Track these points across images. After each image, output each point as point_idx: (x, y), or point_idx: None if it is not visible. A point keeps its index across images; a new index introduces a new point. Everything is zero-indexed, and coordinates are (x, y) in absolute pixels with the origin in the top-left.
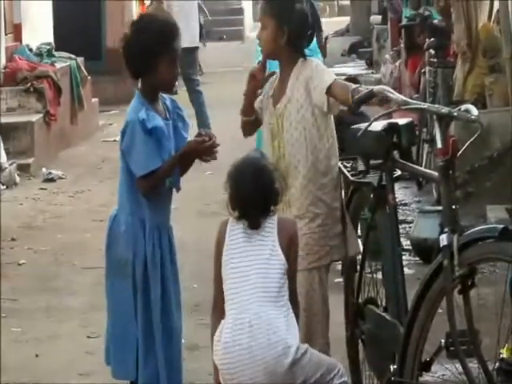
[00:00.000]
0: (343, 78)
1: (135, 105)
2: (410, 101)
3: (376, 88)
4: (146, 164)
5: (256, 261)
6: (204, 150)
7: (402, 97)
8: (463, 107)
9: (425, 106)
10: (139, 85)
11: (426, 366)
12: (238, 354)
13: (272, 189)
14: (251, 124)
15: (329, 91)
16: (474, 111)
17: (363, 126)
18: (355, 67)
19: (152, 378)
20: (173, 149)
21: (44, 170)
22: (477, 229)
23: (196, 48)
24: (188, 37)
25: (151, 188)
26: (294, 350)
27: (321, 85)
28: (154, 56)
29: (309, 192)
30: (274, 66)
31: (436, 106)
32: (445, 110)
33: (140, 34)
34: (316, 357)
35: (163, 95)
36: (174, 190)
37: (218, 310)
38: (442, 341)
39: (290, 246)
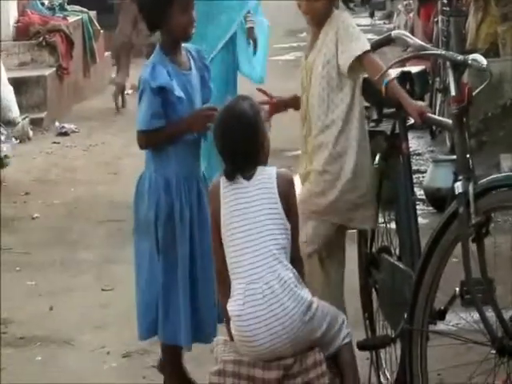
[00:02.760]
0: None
1: (151, 60)
2: (427, 46)
3: (394, 32)
4: (146, 121)
5: (257, 220)
6: (203, 121)
7: (419, 41)
8: (471, 56)
9: (441, 52)
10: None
11: (441, 315)
12: (254, 328)
13: (255, 135)
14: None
15: (356, 61)
16: (483, 60)
17: None
18: (366, 17)
19: (172, 336)
20: (199, 101)
21: (57, 123)
22: (491, 177)
23: None
24: None
25: (149, 145)
26: (314, 306)
27: (348, 53)
28: (168, 4)
29: (325, 148)
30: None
31: (451, 52)
32: (460, 56)
33: None
34: (322, 306)
35: (188, 46)
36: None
37: (224, 280)
38: (457, 289)
39: (288, 199)
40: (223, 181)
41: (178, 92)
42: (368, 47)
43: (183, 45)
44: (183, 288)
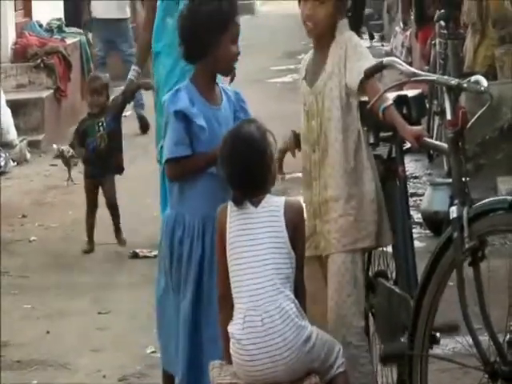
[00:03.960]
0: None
1: (174, 88)
2: (420, 72)
3: (386, 59)
4: (171, 148)
5: (261, 248)
6: None
7: (411, 68)
8: (473, 78)
9: (434, 77)
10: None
11: (437, 339)
12: (253, 354)
13: (262, 159)
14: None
15: (363, 81)
16: (484, 82)
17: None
18: (365, 40)
19: (170, 365)
20: None
21: (55, 146)
22: (487, 201)
23: None
24: None
25: (177, 176)
26: (313, 337)
27: (357, 71)
28: (221, 31)
29: (344, 171)
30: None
31: (445, 77)
32: (454, 81)
33: (198, 14)
34: (320, 336)
35: (225, 86)
36: None
37: (226, 306)
38: None
39: (296, 229)
40: (231, 205)
41: (200, 121)
42: (371, 63)
43: (220, 85)
44: (184, 328)
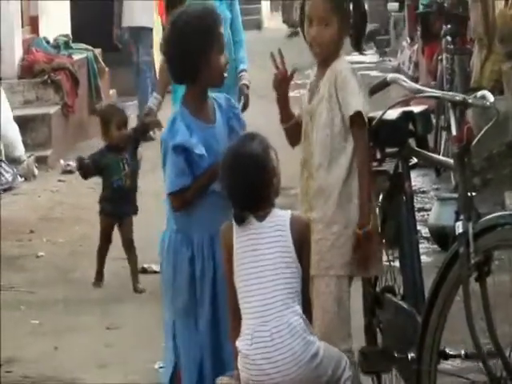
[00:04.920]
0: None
1: (171, 116)
2: (424, 88)
3: (390, 76)
4: (172, 182)
5: (268, 263)
6: None
7: (415, 85)
8: (479, 94)
9: (439, 93)
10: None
11: (445, 354)
12: (261, 368)
13: (264, 174)
14: (294, 130)
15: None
16: (490, 98)
17: (378, 114)
18: (372, 55)
19: None
20: None
21: (62, 161)
22: (493, 215)
23: None
24: None
25: (182, 205)
26: (321, 353)
27: (347, 107)
28: (210, 45)
29: (328, 196)
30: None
31: (450, 93)
32: (459, 96)
33: (183, 35)
34: (328, 350)
35: (216, 95)
36: None
37: (235, 317)
38: None
39: (302, 245)
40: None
41: (199, 150)
42: (360, 108)
43: (211, 94)
44: (206, 348)
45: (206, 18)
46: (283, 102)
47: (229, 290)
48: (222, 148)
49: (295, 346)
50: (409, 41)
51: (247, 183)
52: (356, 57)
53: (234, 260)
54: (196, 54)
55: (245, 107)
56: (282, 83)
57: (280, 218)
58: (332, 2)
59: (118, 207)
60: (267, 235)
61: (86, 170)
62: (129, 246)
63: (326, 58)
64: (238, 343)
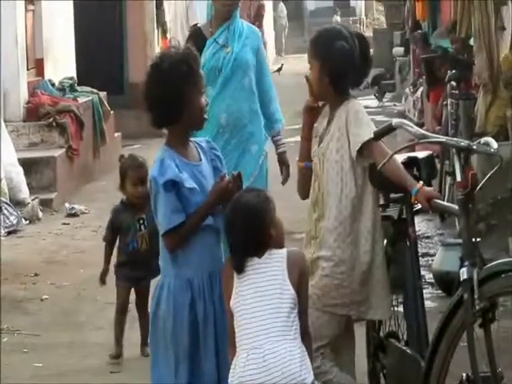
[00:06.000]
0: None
1: (158, 157)
2: (429, 134)
3: (395, 121)
4: (167, 219)
5: (266, 295)
6: (232, 192)
7: (420, 130)
8: (483, 140)
9: (444, 139)
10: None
11: None
12: None
13: (262, 228)
14: (307, 179)
15: (364, 147)
16: (494, 144)
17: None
18: (375, 100)
19: None
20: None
21: (67, 204)
22: (497, 262)
23: None
24: None
25: (178, 244)
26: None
27: (355, 139)
28: (187, 96)
29: (338, 235)
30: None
31: (455, 139)
32: (464, 143)
33: (164, 81)
34: None
35: (197, 139)
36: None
37: (234, 343)
38: (464, 375)
39: (300, 280)
40: None
41: (189, 183)
42: (372, 136)
43: (191, 139)
44: None
45: (184, 61)
46: (307, 132)
47: (229, 320)
48: (210, 185)
49: (288, 370)
50: (411, 88)
51: (246, 236)
52: (360, 101)
53: (233, 291)
54: (178, 100)
55: (285, 180)
56: (313, 109)
57: (277, 254)
58: (312, 47)
59: (134, 271)
60: (263, 269)
61: (107, 235)
62: (142, 308)
63: (316, 97)
64: (230, 375)
